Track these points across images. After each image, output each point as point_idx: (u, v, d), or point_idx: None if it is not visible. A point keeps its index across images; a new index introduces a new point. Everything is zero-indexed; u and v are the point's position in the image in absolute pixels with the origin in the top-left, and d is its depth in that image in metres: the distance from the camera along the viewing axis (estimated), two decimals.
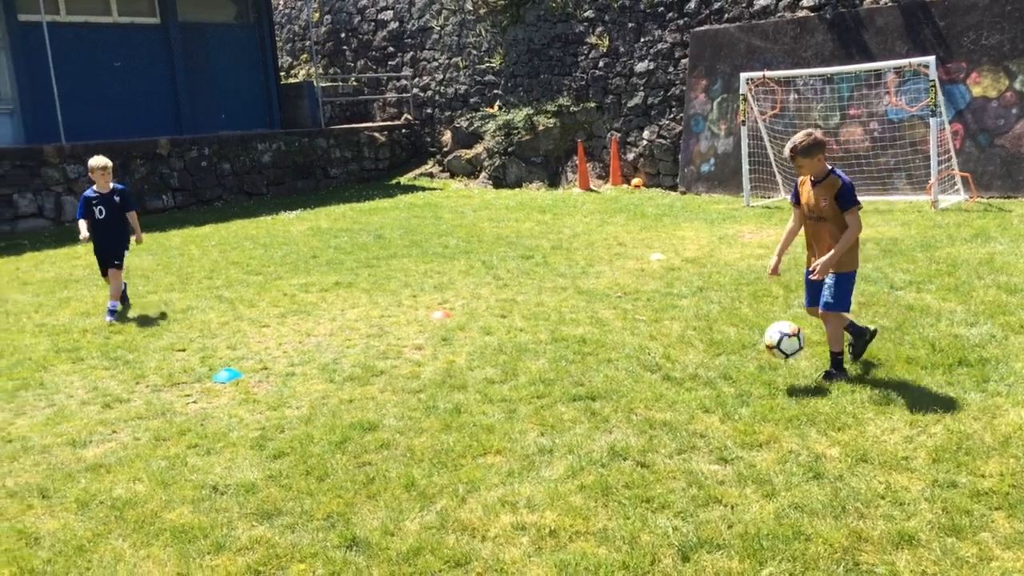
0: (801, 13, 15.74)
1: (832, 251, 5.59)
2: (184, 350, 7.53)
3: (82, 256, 12.61)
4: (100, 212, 8.88)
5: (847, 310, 5.76)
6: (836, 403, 5.36)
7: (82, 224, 8.82)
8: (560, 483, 4.53)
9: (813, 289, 5.89)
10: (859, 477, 4.39)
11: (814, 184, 5.73)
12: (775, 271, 6.07)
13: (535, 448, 5.00)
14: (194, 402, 6.21)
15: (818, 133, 5.62)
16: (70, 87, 17.38)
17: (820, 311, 5.80)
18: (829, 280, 5.68)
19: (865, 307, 7.49)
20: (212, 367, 6.97)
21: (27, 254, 13.20)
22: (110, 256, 8.92)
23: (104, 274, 9.04)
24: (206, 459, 5.12)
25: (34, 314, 9.18)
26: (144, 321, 8.58)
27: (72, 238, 14.23)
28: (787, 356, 5.71)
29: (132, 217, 9.09)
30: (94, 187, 8.94)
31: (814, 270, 5.69)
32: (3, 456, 5.34)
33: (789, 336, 5.66)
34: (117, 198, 8.96)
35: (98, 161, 8.88)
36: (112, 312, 8.72)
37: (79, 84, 17.80)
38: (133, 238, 9.15)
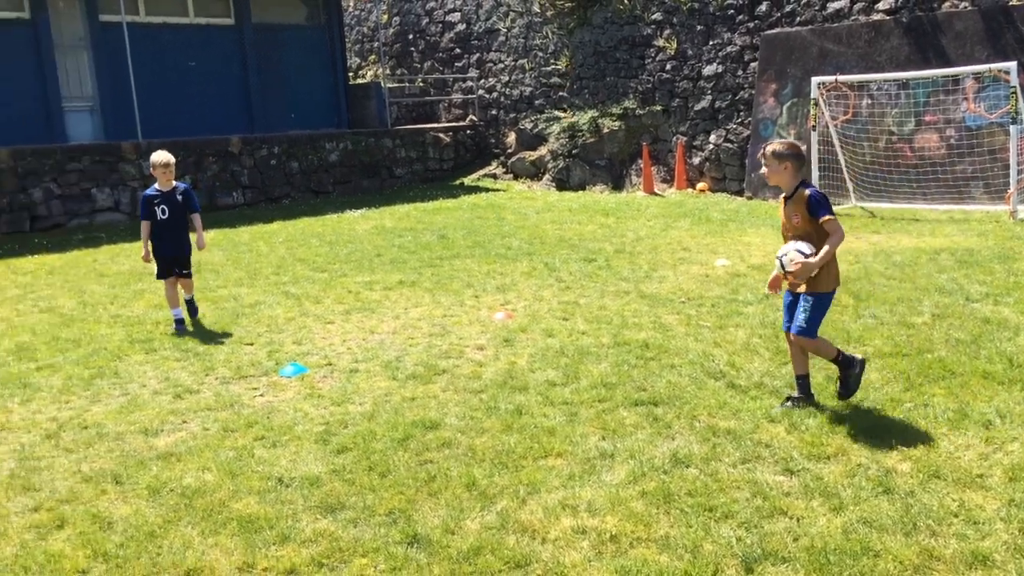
0: (876, 16, 15.40)
1: (821, 253, 5.10)
2: (252, 344, 7.68)
3: None
4: (163, 212, 8.21)
5: (814, 337, 5.30)
6: (908, 417, 5.23)
7: (145, 229, 8.23)
8: (621, 488, 4.50)
9: (792, 312, 5.43)
10: (931, 494, 4.27)
11: (786, 201, 5.37)
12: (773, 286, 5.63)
13: (596, 452, 4.98)
14: (261, 395, 6.33)
15: (800, 145, 5.32)
16: (147, 85, 17.88)
17: (791, 335, 5.39)
18: (805, 302, 5.25)
19: (939, 319, 7.30)
20: (278, 361, 7.10)
21: (104, 247, 13.61)
22: (175, 262, 8.34)
23: (164, 276, 8.33)
24: (272, 451, 5.22)
25: (110, 305, 9.46)
26: (214, 315, 8.78)
27: None
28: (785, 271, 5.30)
29: (196, 219, 8.42)
30: (155, 186, 8.29)
31: (793, 281, 5.29)
32: (79, 442, 5.51)
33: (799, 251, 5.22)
34: (180, 197, 8.30)
35: (161, 157, 8.23)
36: (193, 308, 8.48)
37: (156, 83, 18.31)
38: (194, 241, 8.45)
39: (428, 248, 12.13)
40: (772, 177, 5.34)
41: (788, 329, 5.46)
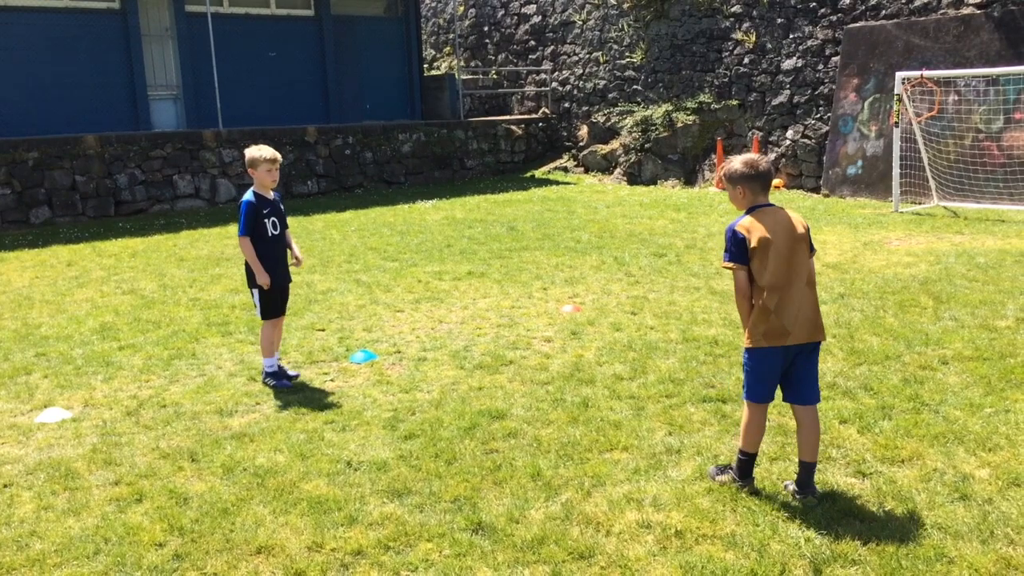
0: (966, 10, 14.87)
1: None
2: (323, 330, 7.82)
3: (233, 236, 13.28)
4: (274, 226, 6.23)
5: (751, 399, 4.35)
6: (988, 423, 5.06)
7: (249, 247, 6.16)
8: (687, 484, 4.46)
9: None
10: (1010, 502, 4.13)
11: None
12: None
13: (662, 447, 4.95)
14: (331, 380, 6.45)
15: (761, 162, 4.33)
16: (228, 75, 18.32)
17: None
18: None
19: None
20: (349, 348, 7.21)
21: (184, 232, 14.01)
22: (284, 294, 6.46)
23: (275, 314, 6.37)
24: (341, 435, 5.32)
25: (188, 288, 9.74)
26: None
27: (224, 218, 15.03)
28: None
29: (288, 236, 6.49)
30: (255, 190, 6.22)
31: None
32: (158, 419, 5.70)
33: None
34: (282, 206, 6.44)
35: (266, 152, 6.17)
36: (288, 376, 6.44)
37: (237, 72, 18.73)
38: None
39: (498, 240, 12.18)
40: (732, 202, 4.48)
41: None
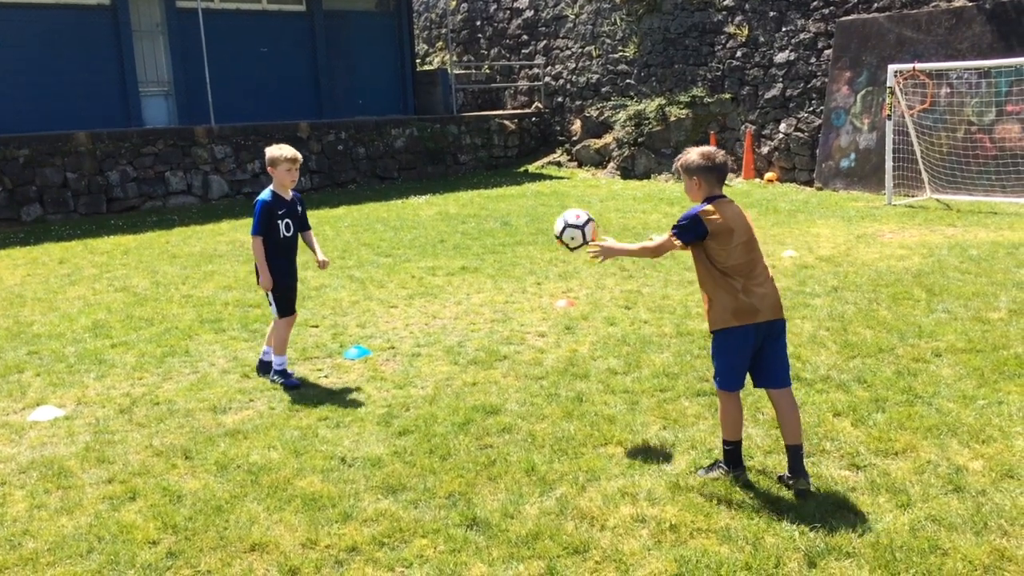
0: (958, 3, 14.88)
1: (620, 246, 4.68)
2: (317, 326, 7.81)
3: (226, 233, 13.26)
4: (287, 228, 6.22)
5: (724, 387, 4.38)
6: (981, 415, 5.08)
7: (260, 248, 6.17)
8: (682, 478, 4.46)
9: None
10: (1004, 493, 4.15)
11: None
12: None
13: (657, 441, 4.95)
14: (325, 376, 6.44)
15: (719, 155, 4.37)
16: (220, 71, 18.23)
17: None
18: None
19: (1017, 315, 7.06)
20: (343, 344, 7.20)
21: (176, 229, 13.96)
22: (295, 289, 6.49)
23: (290, 312, 6.40)
24: (335, 431, 5.30)
25: (181, 285, 9.71)
26: None
27: (217, 215, 14.99)
28: (571, 249, 4.88)
29: (310, 237, 6.54)
30: (272, 189, 6.18)
31: None
32: (151, 417, 5.68)
33: (572, 226, 4.79)
34: (300, 207, 6.36)
35: (287, 151, 6.13)
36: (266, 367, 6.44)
37: (228, 68, 18.64)
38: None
39: (491, 235, 12.16)
40: (687, 193, 4.51)
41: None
